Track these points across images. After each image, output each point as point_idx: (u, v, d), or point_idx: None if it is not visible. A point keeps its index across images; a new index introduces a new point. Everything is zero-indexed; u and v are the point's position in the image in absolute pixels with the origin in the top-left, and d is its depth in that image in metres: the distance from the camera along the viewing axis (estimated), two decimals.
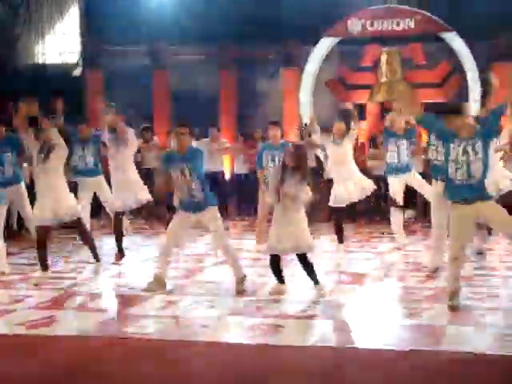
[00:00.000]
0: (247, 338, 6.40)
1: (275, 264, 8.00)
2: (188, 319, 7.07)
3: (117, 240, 9.99)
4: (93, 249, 9.33)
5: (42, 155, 8.67)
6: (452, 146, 7.07)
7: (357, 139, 11.58)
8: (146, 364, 5.77)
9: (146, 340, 6.35)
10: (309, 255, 7.98)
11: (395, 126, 10.75)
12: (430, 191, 9.96)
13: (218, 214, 8.24)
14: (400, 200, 10.82)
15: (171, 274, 9.09)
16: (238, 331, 6.63)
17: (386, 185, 14.75)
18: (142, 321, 6.91)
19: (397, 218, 10.92)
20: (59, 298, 7.92)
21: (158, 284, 8.23)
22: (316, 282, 7.97)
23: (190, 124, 9.27)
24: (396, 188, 10.81)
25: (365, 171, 13.87)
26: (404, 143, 10.67)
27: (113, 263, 9.83)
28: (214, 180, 15.10)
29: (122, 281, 8.98)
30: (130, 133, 9.98)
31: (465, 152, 7.01)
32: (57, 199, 8.74)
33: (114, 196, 9.95)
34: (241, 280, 8.19)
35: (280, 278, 8.07)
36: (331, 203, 10.55)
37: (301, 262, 7.96)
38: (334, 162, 10.50)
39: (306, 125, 15.59)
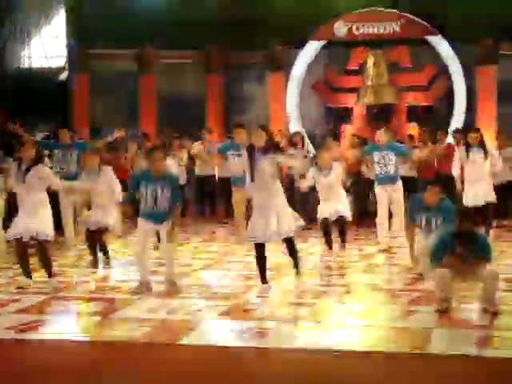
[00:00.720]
0: (235, 340, 6.41)
1: (261, 256, 8.18)
2: (175, 322, 7.07)
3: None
4: (47, 267, 8.77)
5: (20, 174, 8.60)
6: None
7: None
8: (132, 367, 5.76)
9: (132, 343, 6.35)
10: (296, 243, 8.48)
11: (380, 140, 11.12)
12: (400, 214, 11.00)
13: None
14: (385, 214, 11.19)
15: (158, 278, 9.10)
16: (226, 334, 6.63)
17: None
18: (128, 324, 6.90)
19: (382, 225, 11.14)
20: (46, 302, 7.90)
21: (144, 287, 8.31)
22: (297, 272, 8.44)
23: (164, 145, 9.78)
24: (382, 200, 11.22)
25: (358, 175, 13.95)
26: (390, 154, 11.03)
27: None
28: (205, 184, 15.16)
29: (109, 284, 8.97)
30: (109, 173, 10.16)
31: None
32: (32, 216, 8.50)
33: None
34: (172, 283, 8.34)
35: (264, 277, 8.22)
36: (318, 215, 10.77)
37: (287, 245, 8.31)
38: (323, 189, 10.65)
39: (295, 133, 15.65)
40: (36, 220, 8.47)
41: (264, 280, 8.29)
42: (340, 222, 10.78)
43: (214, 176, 15.42)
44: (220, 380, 5.44)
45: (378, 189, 11.26)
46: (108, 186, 9.97)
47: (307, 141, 16.19)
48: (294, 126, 17.60)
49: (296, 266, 8.57)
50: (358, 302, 7.84)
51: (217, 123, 17.94)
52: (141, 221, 8.40)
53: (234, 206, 11.57)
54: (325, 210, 10.61)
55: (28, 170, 8.50)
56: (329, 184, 10.59)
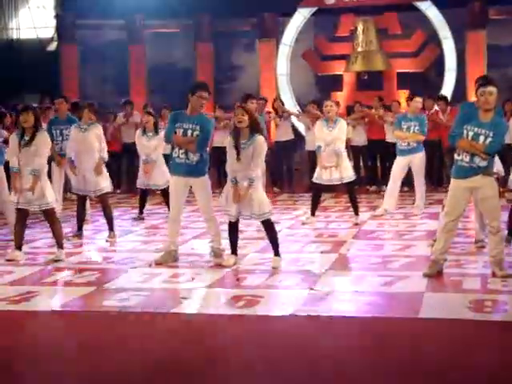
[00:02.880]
0: (227, 309, 6.45)
1: (235, 231, 8.05)
2: (168, 291, 7.12)
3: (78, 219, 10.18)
4: (59, 238, 8.72)
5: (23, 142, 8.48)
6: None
7: None
8: (126, 336, 5.81)
9: (126, 313, 6.39)
10: (275, 224, 8.11)
11: (411, 108, 11.26)
12: (421, 183, 11.25)
13: (209, 184, 8.23)
14: (397, 184, 11.34)
15: (152, 247, 9.17)
16: (218, 302, 6.68)
17: (365, 156, 15.01)
18: (121, 294, 6.93)
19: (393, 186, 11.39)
20: (39, 274, 7.93)
21: (169, 257, 8.25)
22: (276, 253, 8.00)
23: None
24: (398, 168, 11.30)
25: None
26: (416, 125, 11.10)
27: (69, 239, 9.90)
28: None
29: (102, 255, 8.99)
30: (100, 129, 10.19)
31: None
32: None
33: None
34: (218, 253, 8.22)
35: (234, 248, 8.12)
36: (313, 179, 10.81)
37: (265, 228, 7.99)
38: (326, 144, 10.54)
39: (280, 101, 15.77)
40: (36, 189, 8.40)
41: (234, 251, 8.17)
42: (349, 192, 10.89)
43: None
44: (212, 348, 5.48)
45: (398, 158, 11.34)
46: (93, 143, 9.96)
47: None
48: (285, 94, 17.63)
49: (274, 249, 8.02)
50: (348, 269, 7.89)
51: None
52: (172, 177, 8.24)
53: None
54: (323, 176, 10.57)
55: (32, 139, 8.41)
56: (332, 139, 10.52)
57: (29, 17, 20.52)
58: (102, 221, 10.28)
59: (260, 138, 7.78)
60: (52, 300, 6.95)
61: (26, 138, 8.36)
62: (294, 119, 15.77)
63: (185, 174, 8.08)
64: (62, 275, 7.85)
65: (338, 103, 14.93)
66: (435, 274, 7.25)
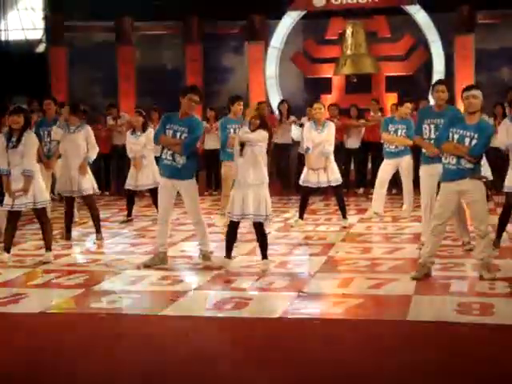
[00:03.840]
0: (216, 311, 6.45)
1: (233, 233, 8.04)
2: (157, 294, 7.11)
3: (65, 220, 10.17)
4: (48, 239, 8.69)
5: (11, 143, 8.44)
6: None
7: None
8: (114, 339, 5.80)
9: (114, 315, 6.38)
10: (266, 226, 8.08)
11: (400, 113, 11.17)
12: (409, 187, 11.02)
13: (195, 188, 8.25)
14: (383, 188, 11.27)
15: (140, 249, 9.15)
16: (207, 305, 6.68)
17: (357, 159, 15.03)
18: (110, 296, 6.93)
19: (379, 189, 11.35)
20: (27, 276, 7.91)
21: (158, 260, 8.24)
22: (264, 257, 7.99)
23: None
24: (385, 171, 11.24)
25: (340, 145, 14.06)
26: (403, 128, 11.00)
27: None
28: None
29: (90, 257, 8.97)
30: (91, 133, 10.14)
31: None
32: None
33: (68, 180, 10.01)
34: (207, 256, 8.22)
35: (229, 250, 8.10)
36: (301, 182, 10.80)
37: (256, 231, 8.00)
38: (314, 146, 10.53)
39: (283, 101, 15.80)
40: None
41: (229, 254, 8.15)
42: (336, 195, 10.90)
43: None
44: (200, 351, 5.48)
45: (385, 161, 11.27)
46: (81, 144, 9.93)
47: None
48: (274, 97, 17.63)
49: (262, 254, 8.03)
50: (337, 271, 7.90)
51: None
52: (161, 179, 8.28)
53: (224, 183, 11.27)
54: (310, 179, 10.59)
55: (19, 140, 8.37)
56: (321, 141, 10.51)
57: (17, 18, 20.46)
58: (90, 223, 10.26)
59: (265, 133, 7.80)
60: (40, 302, 6.93)
61: (13, 140, 8.34)
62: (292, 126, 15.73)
63: (171, 176, 8.11)
64: (50, 277, 7.83)
65: (333, 106, 15.10)
66: (423, 277, 7.27)
